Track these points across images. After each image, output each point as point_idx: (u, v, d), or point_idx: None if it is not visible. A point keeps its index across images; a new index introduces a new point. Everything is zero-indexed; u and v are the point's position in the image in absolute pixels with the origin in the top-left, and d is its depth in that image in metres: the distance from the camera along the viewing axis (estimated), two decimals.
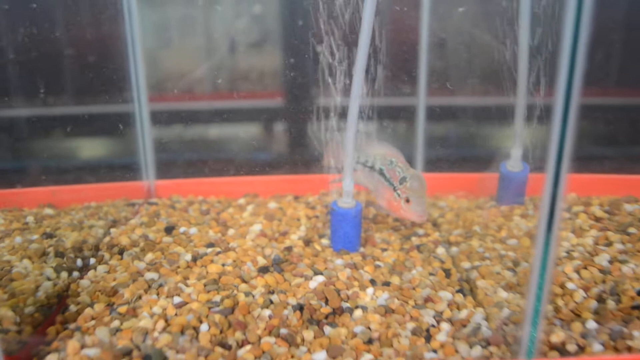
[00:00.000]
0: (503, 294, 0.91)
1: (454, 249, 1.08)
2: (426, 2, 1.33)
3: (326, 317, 0.85)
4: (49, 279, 0.95)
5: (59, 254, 1.03)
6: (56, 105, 1.50)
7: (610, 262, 0.96)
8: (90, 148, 1.65)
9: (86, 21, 1.42)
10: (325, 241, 1.11)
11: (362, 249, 1.08)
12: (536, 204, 1.22)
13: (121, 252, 1.05)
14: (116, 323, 0.82)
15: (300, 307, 0.85)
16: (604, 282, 0.91)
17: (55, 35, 1.40)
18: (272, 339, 0.79)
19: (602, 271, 0.94)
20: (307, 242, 1.09)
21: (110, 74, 1.43)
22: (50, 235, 1.12)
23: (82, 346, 0.77)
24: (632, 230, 1.04)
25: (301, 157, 1.57)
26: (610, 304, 0.86)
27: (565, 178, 0.69)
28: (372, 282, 0.95)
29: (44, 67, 1.42)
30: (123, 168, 1.51)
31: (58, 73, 1.46)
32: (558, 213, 0.71)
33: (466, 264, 1.01)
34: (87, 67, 1.46)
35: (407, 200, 1.01)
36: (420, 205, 1.00)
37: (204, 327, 0.80)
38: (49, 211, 1.33)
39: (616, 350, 0.78)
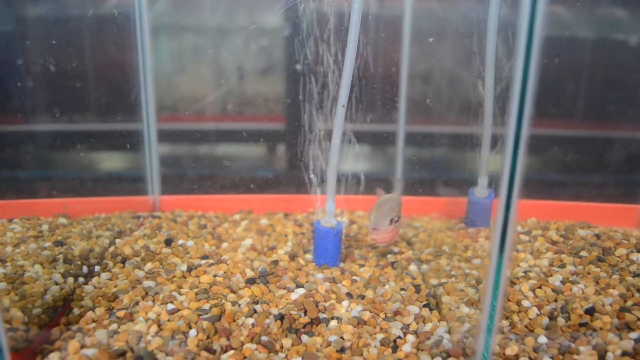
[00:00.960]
0: (465, 310, 0.92)
1: (425, 267, 1.09)
2: (406, 38, 1.35)
3: (304, 327, 0.86)
4: (56, 283, 0.96)
5: (67, 261, 1.04)
6: (76, 122, 1.52)
7: (563, 282, 0.97)
8: (103, 162, 1.66)
9: (104, 49, 1.44)
10: (309, 256, 1.12)
11: (341, 264, 1.09)
12: None
13: (124, 261, 1.06)
14: (114, 326, 0.83)
15: (281, 317, 0.86)
16: (556, 300, 0.93)
17: (77, 62, 1.43)
18: (253, 346, 0.79)
19: (555, 290, 0.95)
20: (293, 257, 1.11)
21: (125, 95, 1.45)
22: (61, 243, 1.13)
23: (82, 346, 0.78)
24: (583, 253, 1.06)
25: (294, 178, 1.59)
26: (561, 321, 0.88)
27: (516, 202, 0.71)
28: (349, 295, 0.96)
29: (66, 88, 1.44)
30: (131, 182, 1.52)
31: (78, 94, 1.49)
32: (510, 234, 0.72)
33: (434, 281, 1.03)
34: (104, 89, 1.48)
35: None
36: (376, 219, 0.97)
37: (192, 332, 0.81)
38: (62, 220, 1.34)
39: None
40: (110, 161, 1.65)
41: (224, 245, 1.16)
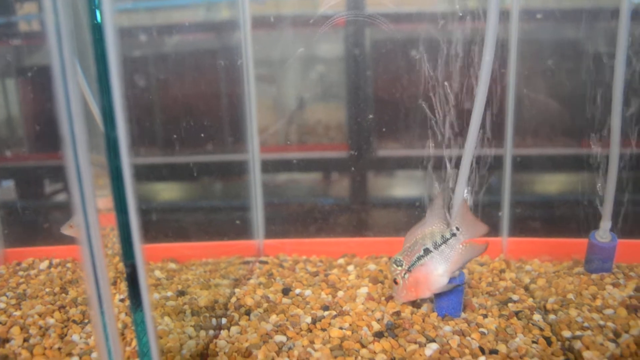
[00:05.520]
0: None
1: (552, 317, 1.03)
2: (513, 56, 1.30)
3: None
4: (190, 337, 0.96)
5: (195, 313, 1.05)
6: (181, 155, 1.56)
7: None
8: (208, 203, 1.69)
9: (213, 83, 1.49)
10: (426, 305, 1.08)
11: (464, 314, 1.04)
12: (625, 272, 1.16)
13: (248, 313, 1.06)
14: None
15: None
16: None
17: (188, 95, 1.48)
18: None
19: None
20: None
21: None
22: (182, 293, 1.15)
23: None
24: None
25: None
26: None
27: None
28: (481, 349, 0.91)
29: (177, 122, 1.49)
30: (237, 227, 1.54)
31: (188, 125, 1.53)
32: None
33: (567, 333, 0.96)
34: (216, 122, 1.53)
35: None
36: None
37: None
38: (172, 265, 1.36)
39: None
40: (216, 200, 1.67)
41: (340, 293, 1.14)
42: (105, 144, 0.63)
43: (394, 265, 0.99)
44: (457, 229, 0.99)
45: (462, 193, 1.03)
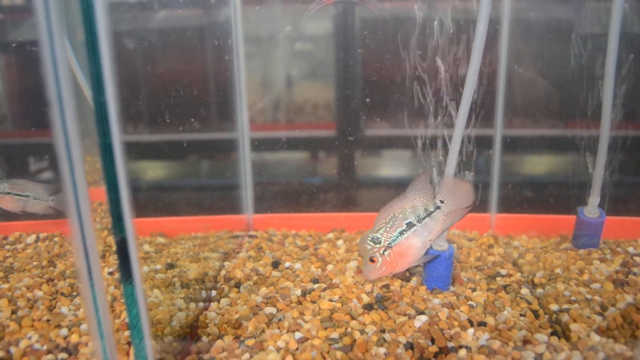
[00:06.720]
0: (596, 338, 0.87)
1: (540, 291, 1.04)
2: (505, 35, 1.29)
3: (435, 356, 0.82)
4: (180, 309, 0.96)
5: (184, 285, 1.04)
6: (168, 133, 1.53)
7: None
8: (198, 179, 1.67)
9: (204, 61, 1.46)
10: (415, 279, 1.08)
11: (452, 288, 1.05)
12: (612, 248, 1.17)
13: (238, 285, 1.05)
14: (247, 356, 0.82)
15: (410, 346, 0.83)
16: None
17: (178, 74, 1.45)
18: None
19: None
20: (402, 280, 1.07)
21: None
22: (171, 266, 1.14)
23: None
24: None
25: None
26: None
27: None
28: (470, 322, 0.92)
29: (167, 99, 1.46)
30: (226, 202, 1.52)
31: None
32: None
33: (554, 306, 0.97)
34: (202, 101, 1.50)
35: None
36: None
37: None
38: (161, 240, 1.35)
39: None
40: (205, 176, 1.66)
41: (330, 267, 1.14)
42: (95, 113, 0.61)
43: (372, 244, 0.97)
44: (442, 201, 0.98)
45: (453, 166, 1.02)
